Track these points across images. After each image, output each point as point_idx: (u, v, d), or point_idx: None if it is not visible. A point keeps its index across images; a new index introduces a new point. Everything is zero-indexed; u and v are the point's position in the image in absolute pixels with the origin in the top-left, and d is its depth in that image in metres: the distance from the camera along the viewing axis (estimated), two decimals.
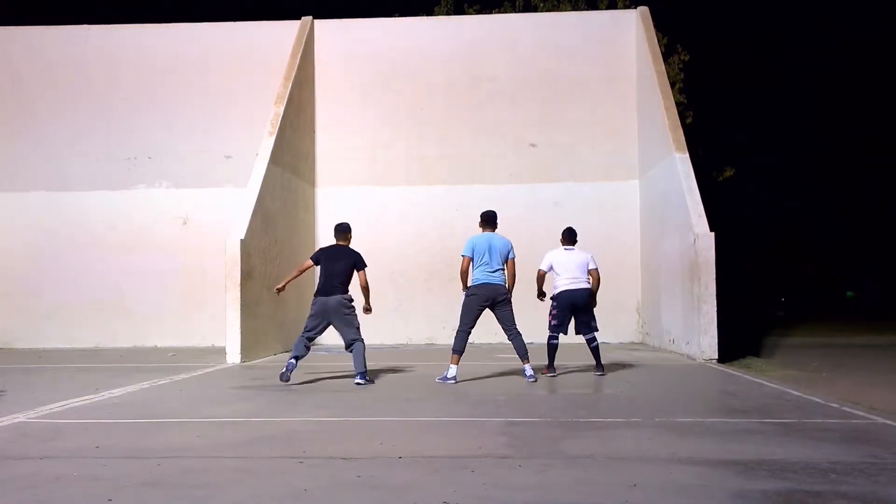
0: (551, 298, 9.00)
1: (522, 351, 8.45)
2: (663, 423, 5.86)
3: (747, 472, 4.30)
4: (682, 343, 11.71)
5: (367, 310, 8.51)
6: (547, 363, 8.97)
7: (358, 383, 8.22)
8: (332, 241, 8.68)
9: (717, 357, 10.50)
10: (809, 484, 4.07)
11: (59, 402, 7.13)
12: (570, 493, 3.98)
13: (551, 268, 8.92)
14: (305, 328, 8.43)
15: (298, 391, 8.04)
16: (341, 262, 8.32)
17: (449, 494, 3.90)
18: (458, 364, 8.42)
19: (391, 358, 11.64)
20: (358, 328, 8.35)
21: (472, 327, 8.49)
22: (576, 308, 8.86)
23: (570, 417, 6.19)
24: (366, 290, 8.34)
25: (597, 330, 9.02)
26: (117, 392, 7.88)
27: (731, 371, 9.68)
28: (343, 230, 8.63)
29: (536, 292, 8.99)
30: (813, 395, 7.40)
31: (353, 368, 8.34)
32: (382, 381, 8.83)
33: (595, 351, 9.03)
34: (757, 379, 8.83)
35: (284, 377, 8.17)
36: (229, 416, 6.50)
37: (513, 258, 8.35)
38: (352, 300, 8.32)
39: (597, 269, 8.99)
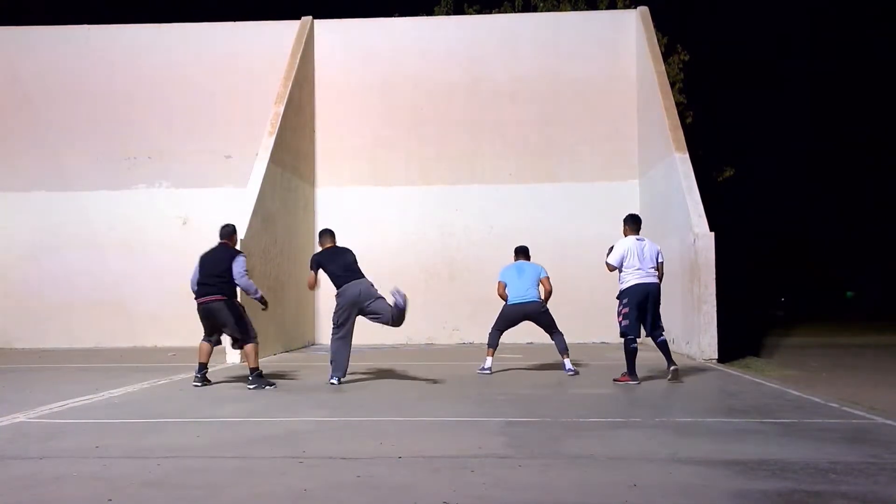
0: (618, 296, 8.35)
1: (562, 346, 9.23)
2: (663, 423, 5.86)
3: (747, 472, 4.30)
4: (682, 343, 11.71)
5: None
6: (627, 370, 8.31)
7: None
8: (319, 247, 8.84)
9: (717, 357, 10.51)
10: (809, 484, 4.07)
11: (59, 402, 7.13)
12: (570, 493, 3.98)
13: (622, 262, 8.20)
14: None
15: (298, 391, 8.05)
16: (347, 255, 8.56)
17: (449, 494, 3.90)
18: (492, 356, 9.40)
19: (391, 358, 11.64)
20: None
21: (504, 330, 9.46)
22: (648, 304, 8.19)
23: (570, 417, 6.19)
24: None
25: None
26: (117, 392, 7.88)
27: (731, 371, 9.69)
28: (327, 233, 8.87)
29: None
30: (813, 395, 7.41)
31: None
32: (382, 380, 8.83)
33: (665, 347, 8.43)
34: (757, 379, 8.84)
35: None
36: (229, 416, 6.50)
37: (546, 277, 9.31)
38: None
39: (663, 262, 8.47)
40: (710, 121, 21.53)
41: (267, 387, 8.11)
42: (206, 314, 8.22)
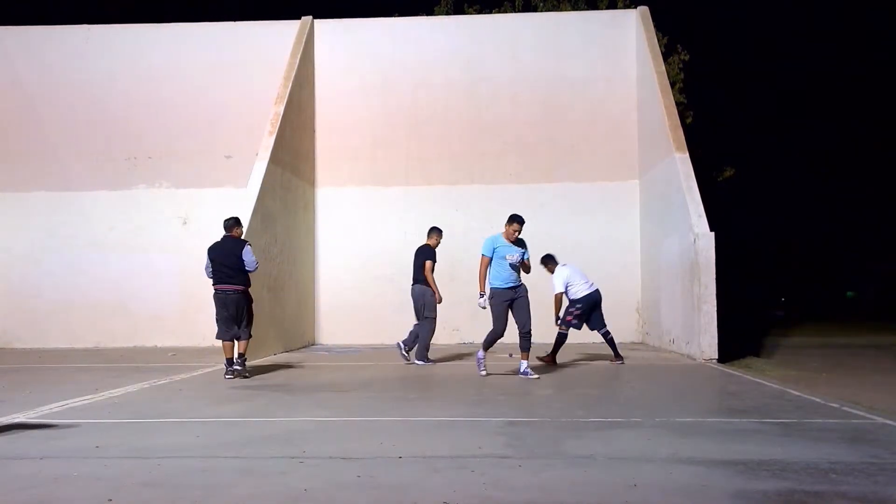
0: (575, 301, 10.33)
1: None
2: (663, 423, 5.85)
3: (747, 472, 4.30)
4: (682, 343, 11.71)
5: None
6: (553, 352, 10.38)
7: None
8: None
9: (717, 357, 10.51)
10: (809, 484, 4.07)
11: (59, 402, 7.13)
12: (570, 493, 3.98)
13: (567, 286, 10.30)
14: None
15: (298, 391, 8.05)
16: (419, 258, 10.50)
17: (449, 494, 3.90)
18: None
19: (391, 358, 11.63)
20: (425, 316, 10.43)
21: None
22: (597, 306, 10.40)
23: (570, 417, 6.19)
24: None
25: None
26: (117, 392, 7.88)
27: (731, 371, 9.68)
28: (429, 231, 10.79)
29: (556, 317, 10.33)
30: (813, 395, 7.40)
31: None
32: (382, 381, 8.83)
33: (613, 342, 10.63)
34: (757, 379, 8.83)
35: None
36: (229, 416, 6.50)
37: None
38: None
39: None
40: (710, 121, 21.52)
41: (247, 371, 9.05)
42: (224, 303, 8.91)
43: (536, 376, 8.62)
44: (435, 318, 10.56)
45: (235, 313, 8.93)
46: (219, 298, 8.94)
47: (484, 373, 8.92)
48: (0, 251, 15.38)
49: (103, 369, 10.46)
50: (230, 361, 8.97)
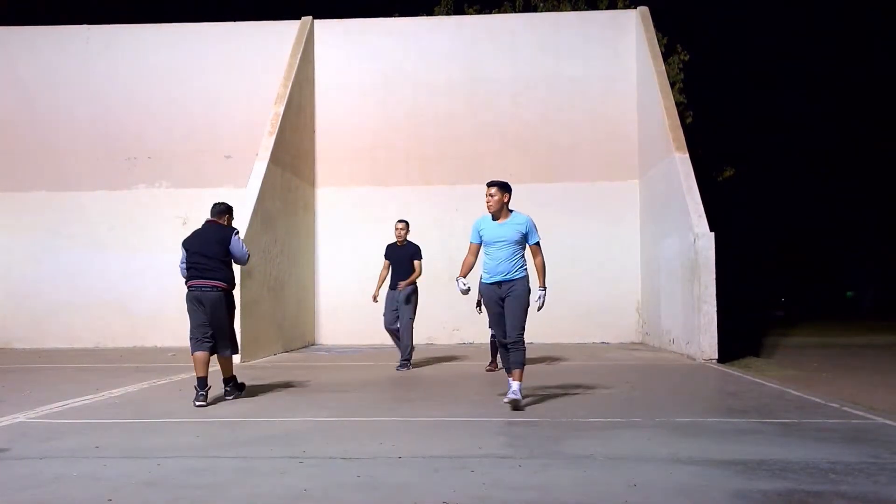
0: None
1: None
2: (663, 423, 5.85)
3: (747, 472, 4.30)
4: (682, 343, 11.72)
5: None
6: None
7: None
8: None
9: (717, 357, 10.52)
10: (809, 484, 4.07)
11: (59, 402, 7.13)
12: (570, 493, 3.98)
13: None
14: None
15: (298, 391, 8.04)
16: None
17: (449, 494, 3.90)
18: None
19: (391, 358, 11.63)
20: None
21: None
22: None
23: (570, 417, 6.18)
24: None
25: None
26: (117, 392, 7.88)
27: (731, 371, 9.69)
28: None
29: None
30: (813, 395, 7.41)
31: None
32: (383, 381, 8.83)
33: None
34: (757, 379, 8.83)
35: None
36: (229, 416, 6.49)
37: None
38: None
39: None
40: (710, 121, 21.53)
41: (241, 393, 7.41)
42: (199, 302, 6.97)
43: (520, 401, 6.52)
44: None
45: (212, 317, 6.96)
46: (193, 298, 6.97)
47: (506, 400, 6.55)
48: (0, 251, 15.39)
49: (103, 369, 10.46)
50: (202, 382, 6.92)
